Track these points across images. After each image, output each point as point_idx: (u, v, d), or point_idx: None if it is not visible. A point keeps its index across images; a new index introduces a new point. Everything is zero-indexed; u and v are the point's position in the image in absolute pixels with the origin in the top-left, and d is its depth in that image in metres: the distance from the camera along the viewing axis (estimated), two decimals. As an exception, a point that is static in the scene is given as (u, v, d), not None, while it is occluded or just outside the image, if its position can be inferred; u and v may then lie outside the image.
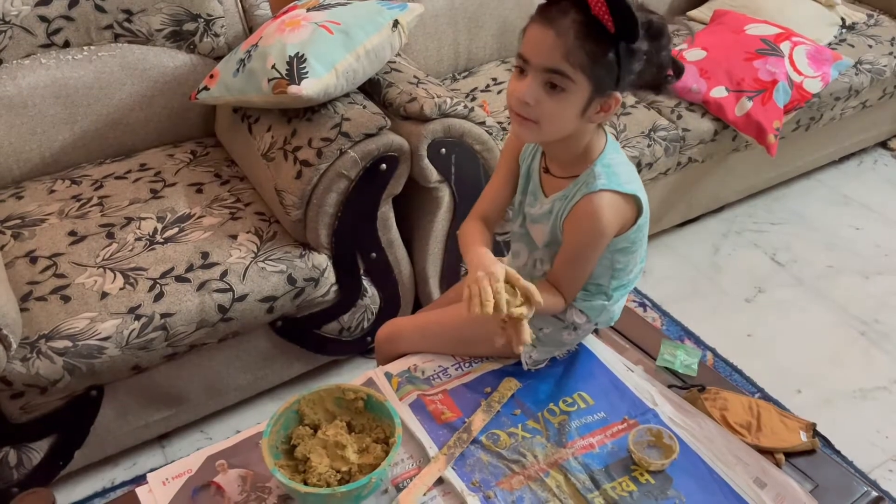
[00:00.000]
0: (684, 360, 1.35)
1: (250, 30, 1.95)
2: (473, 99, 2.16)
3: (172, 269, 1.58)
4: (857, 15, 2.59)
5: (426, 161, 1.69)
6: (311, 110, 1.68)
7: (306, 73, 1.61)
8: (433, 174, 1.72)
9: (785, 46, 2.22)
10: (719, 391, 1.28)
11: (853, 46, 2.47)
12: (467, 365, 1.34)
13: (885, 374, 1.96)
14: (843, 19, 2.54)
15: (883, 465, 1.72)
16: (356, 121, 1.63)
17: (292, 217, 1.65)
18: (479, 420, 1.22)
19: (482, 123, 1.74)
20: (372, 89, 1.82)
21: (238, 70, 1.73)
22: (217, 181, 1.84)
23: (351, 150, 1.60)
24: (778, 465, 1.17)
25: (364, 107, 1.69)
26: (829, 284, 2.24)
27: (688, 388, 1.30)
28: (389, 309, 1.87)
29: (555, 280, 1.20)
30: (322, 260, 1.68)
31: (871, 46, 2.49)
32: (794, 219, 2.51)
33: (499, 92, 2.19)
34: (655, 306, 2.15)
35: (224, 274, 1.58)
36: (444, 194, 1.77)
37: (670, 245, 2.38)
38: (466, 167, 1.75)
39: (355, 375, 1.34)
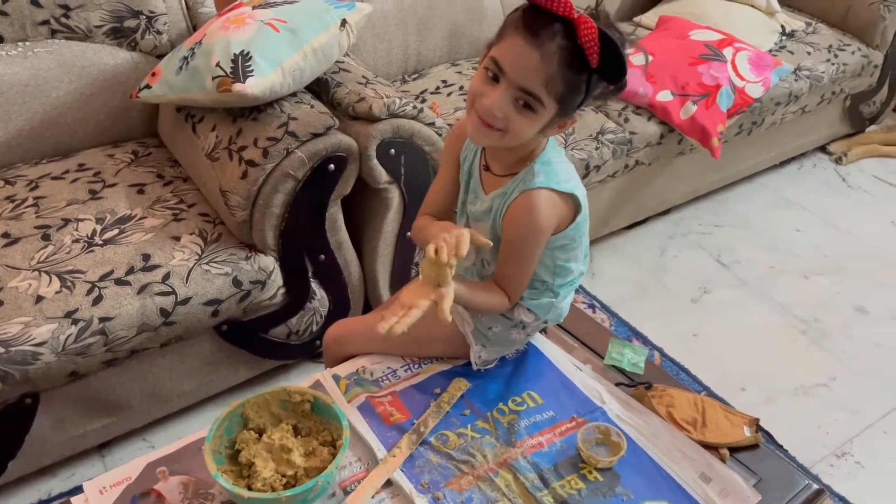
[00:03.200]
0: (632, 358, 1.36)
1: (194, 27, 1.91)
2: (423, 101, 2.15)
3: (112, 271, 1.53)
4: (796, 23, 2.66)
5: (375, 161, 1.67)
6: (257, 109, 1.65)
7: (251, 71, 1.58)
8: (382, 175, 1.70)
9: (727, 52, 2.27)
10: (665, 388, 1.29)
11: (793, 53, 2.54)
12: (416, 366, 1.33)
13: (824, 372, 2.01)
14: (783, 27, 2.61)
15: (824, 459, 1.77)
16: (303, 120, 1.60)
17: (238, 218, 1.61)
18: (428, 421, 1.21)
19: (431, 124, 1.74)
20: (320, 89, 1.79)
21: (181, 68, 1.69)
22: (159, 182, 1.79)
23: (298, 150, 1.58)
24: (723, 459, 1.18)
25: (312, 106, 1.66)
26: (771, 285, 2.29)
27: (635, 385, 1.31)
28: (338, 312, 1.84)
29: (499, 279, 1.20)
30: (269, 262, 1.65)
31: (809, 53, 2.56)
32: (738, 221, 2.56)
33: (448, 94, 2.19)
34: (604, 307, 2.17)
35: (166, 277, 1.54)
36: (394, 195, 1.75)
37: (618, 247, 2.41)
38: (416, 168, 1.74)
39: (304, 380, 1.31)
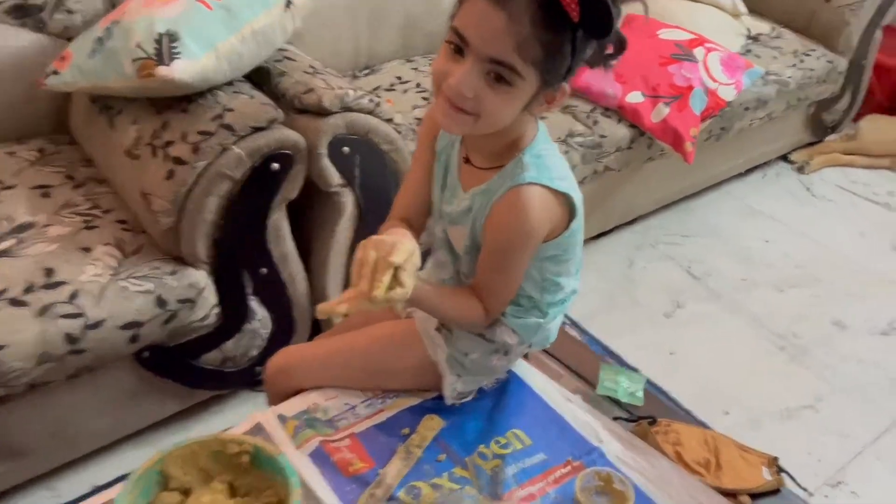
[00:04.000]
0: (628, 386, 1.18)
1: (112, 5, 1.65)
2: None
3: (5, 290, 1.27)
4: (762, 26, 2.57)
5: (326, 161, 1.46)
6: (187, 100, 1.42)
7: (179, 53, 1.34)
8: (334, 176, 1.49)
9: (699, 52, 2.15)
10: (670, 423, 1.12)
11: (759, 57, 2.44)
12: (380, 401, 1.11)
13: (809, 392, 1.88)
14: (748, 29, 2.51)
15: (818, 490, 1.63)
16: (242, 111, 1.38)
17: (162, 225, 1.37)
18: (395, 470, 1.00)
19: (390, 120, 1.53)
20: (260, 79, 1.57)
21: (95, 50, 1.44)
22: (69, 184, 1.53)
23: (235, 146, 1.35)
24: (744, 508, 1.01)
25: (252, 97, 1.44)
26: (745, 298, 2.16)
27: (635, 420, 1.13)
28: (282, 334, 1.61)
29: (477, 288, 1.01)
30: (200, 277, 1.41)
31: (775, 58, 2.46)
32: (706, 231, 2.44)
33: (404, 91, 1.99)
34: (574, 324, 1.99)
35: (74, 296, 1.29)
36: (347, 200, 1.54)
37: (585, 258, 2.24)
38: (372, 169, 1.54)
39: (242, 413, 1.09)
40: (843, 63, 2.63)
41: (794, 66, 2.47)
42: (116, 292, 1.32)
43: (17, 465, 1.39)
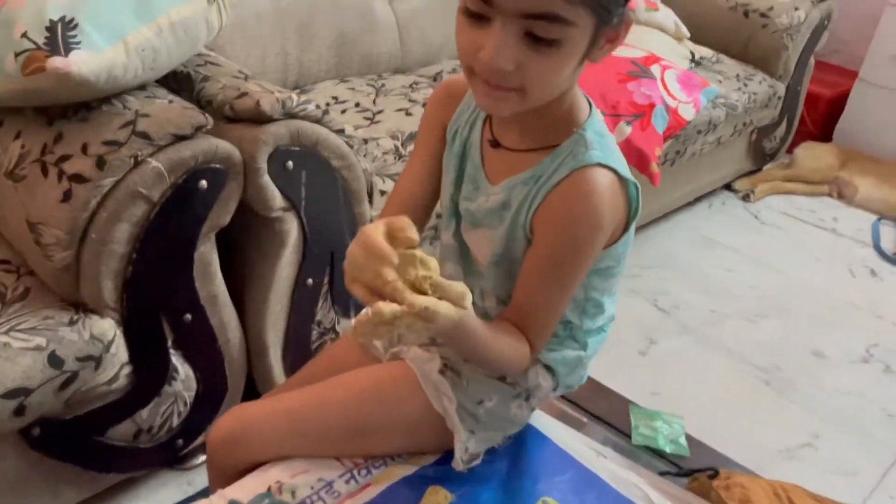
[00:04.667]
0: (668, 433, 0.96)
1: (-10, 0, 1.35)
2: (311, 118, 1.70)
3: None
4: (704, 50, 2.50)
5: (266, 178, 1.19)
6: (87, 107, 1.13)
7: (77, 42, 1.06)
8: (276, 197, 1.22)
9: (655, 69, 2.02)
10: (730, 474, 0.90)
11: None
12: (364, 473, 0.84)
13: (803, 429, 1.72)
14: (692, 53, 2.44)
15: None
16: (160, 117, 1.10)
17: (56, 262, 1.07)
18: (398, 568, 0.73)
19: (341, 132, 1.29)
20: (179, 85, 1.30)
21: (-34, 46, 1.14)
22: (-71, 216, 1.20)
23: (153, 158, 1.07)
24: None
25: (170, 101, 1.17)
26: (717, 331, 2.01)
27: (686, 474, 0.90)
28: (211, 395, 1.31)
29: (519, 314, 0.76)
30: (106, 327, 1.11)
31: (720, 81, 2.38)
32: (665, 261, 2.29)
33: (343, 111, 1.76)
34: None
35: (-68, 356, 0.96)
36: (291, 227, 1.27)
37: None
38: (321, 189, 1.28)
39: (161, 500, 0.79)
40: (781, 88, 2.59)
41: (739, 89, 2.40)
42: (-7, 350, 1.00)
43: None
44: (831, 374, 1.90)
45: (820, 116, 3.02)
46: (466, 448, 0.83)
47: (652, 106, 1.92)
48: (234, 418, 0.87)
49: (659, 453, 0.94)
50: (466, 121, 0.82)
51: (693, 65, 2.43)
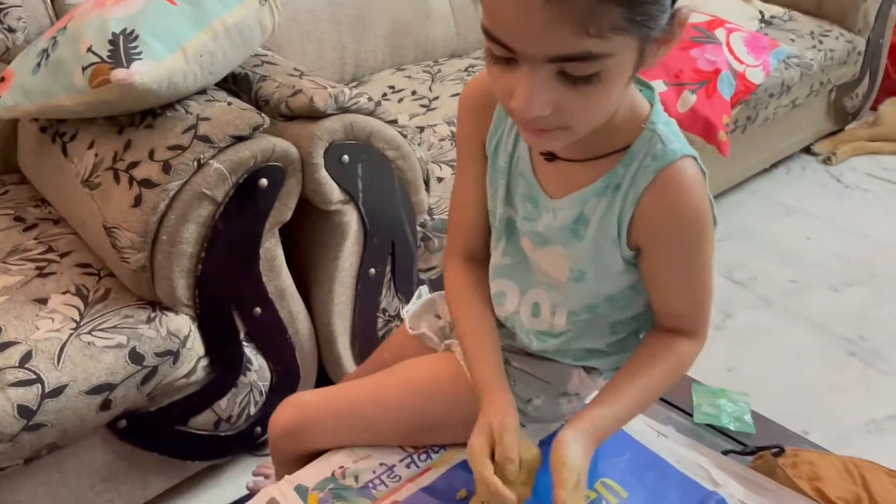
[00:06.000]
0: (732, 411, 0.94)
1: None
2: (370, 109, 1.72)
3: (-63, 357, 1.01)
4: (775, 9, 2.40)
5: (323, 172, 1.22)
6: (152, 114, 1.19)
7: (139, 53, 1.11)
8: (334, 191, 1.25)
9: (720, 33, 1.95)
10: (798, 451, 0.87)
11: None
12: (423, 457, 0.86)
13: (892, 400, 1.64)
14: (761, 13, 2.34)
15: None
16: (219, 119, 1.15)
17: (132, 264, 1.13)
18: (458, 548, 0.75)
19: (394, 122, 1.31)
20: (237, 87, 1.34)
21: (39, 65, 1.21)
22: (18, 227, 1.28)
23: (214, 160, 1.11)
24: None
25: (229, 104, 1.21)
26: (799, 302, 1.93)
27: (751, 452, 0.88)
28: (285, 385, 1.36)
29: (672, 319, 0.77)
30: (182, 323, 1.17)
31: (793, 41, 2.28)
32: (740, 233, 2.22)
33: (399, 100, 1.77)
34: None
35: (27, 358, 1.03)
36: (351, 219, 1.30)
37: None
38: (377, 181, 1.30)
39: (243, 484, 0.83)
40: (861, 43, 2.46)
41: (813, 47, 2.28)
42: (80, 349, 1.06)
43: (-32, 577, 1.11)
44: (923, 342, 1.80)
45: (907, 69, 2.85)
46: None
47: (717, 72, 1.86)
48: (291, 411, 0.89)
49: (723, 432, 0.92)
50: (508, 132, 0.78)
51: (763, 25, 2.33)
